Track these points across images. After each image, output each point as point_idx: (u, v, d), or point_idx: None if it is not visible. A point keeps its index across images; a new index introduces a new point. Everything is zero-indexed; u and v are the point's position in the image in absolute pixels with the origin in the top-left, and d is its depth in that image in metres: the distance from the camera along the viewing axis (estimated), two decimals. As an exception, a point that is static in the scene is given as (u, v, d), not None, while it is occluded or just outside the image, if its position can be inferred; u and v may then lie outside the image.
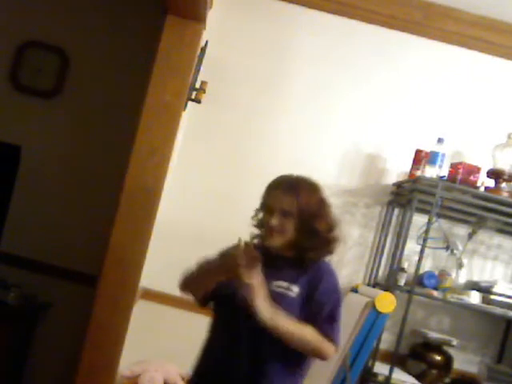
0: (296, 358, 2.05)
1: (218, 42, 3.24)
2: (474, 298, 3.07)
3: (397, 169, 3.34)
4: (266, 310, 1.90)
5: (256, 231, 2.14)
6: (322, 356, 2.02)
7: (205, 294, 2.12)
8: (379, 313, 2.80)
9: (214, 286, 2.07)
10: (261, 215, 2.10)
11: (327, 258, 2.11)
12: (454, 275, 3.24)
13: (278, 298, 1.99)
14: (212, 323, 2.13)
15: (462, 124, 3.37)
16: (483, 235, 3.33)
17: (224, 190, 3.26)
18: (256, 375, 2.00)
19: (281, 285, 2.02)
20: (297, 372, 2.10)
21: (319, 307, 2.02)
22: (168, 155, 2.83)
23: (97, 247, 3.05)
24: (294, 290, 2.02)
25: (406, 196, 3.17)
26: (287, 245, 2.05)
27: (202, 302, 2.15)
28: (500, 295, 3.09)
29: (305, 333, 1.98)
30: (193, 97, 2.98)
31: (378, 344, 3.10)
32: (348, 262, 3.33)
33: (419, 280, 3.14)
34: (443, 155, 3.09)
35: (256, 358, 1.99)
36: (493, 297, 3.08)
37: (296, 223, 2.02)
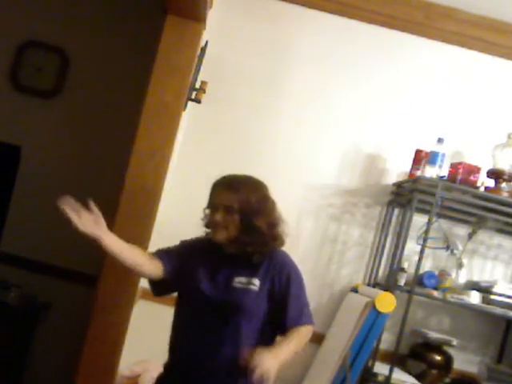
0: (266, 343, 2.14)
1: (217, 42, 3.24)
2: (474, 298, 3.07)
3: (397, 169, 3.34)
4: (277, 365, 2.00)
5: (206, 231, 2.24)
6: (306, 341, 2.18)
7: (162, 284, 2.23)
8: (379, 313, 2.80)
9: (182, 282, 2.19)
10: (207, 214, 2.21)
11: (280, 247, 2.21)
12: (454, 275, 3.24)
13: (241, 294, 2.09)
14: (179, 318, 2.25)
15: (462, 124, 3.37)
16: (483, 235, 3.33)
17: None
18: (231, 365, 2.07)
19: (241, 280, 2.11)
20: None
21: (286, 299, 2.12)
22: (168, 155, 2.83)
23: (97, 247, 3.05)
24: (256, 284, 2.11)
25: (406, 196, 3.17)
26: (231, 240, 2.13)
27: (157, 291, 2.29)
28: (500, 295, 3.09)
29: (297, 342, 2.10)
30: (193, 97, 2.98)
31: (378, 344, 3.09)
32: (348, 262, 3.33)
33: (419, 280, 3.14)
34: (443, 155, 3.09)
35: (229, 349, 2.08)
36: (493, 297, 3.08)
37: (238, 219, 2.10)
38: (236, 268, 2.14)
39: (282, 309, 2.12)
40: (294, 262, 2.22)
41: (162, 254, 2.23)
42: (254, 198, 2.13)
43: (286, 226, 2.20)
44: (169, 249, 2.28)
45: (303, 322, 2.14)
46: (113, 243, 2.08)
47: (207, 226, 2.22)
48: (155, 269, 2.18)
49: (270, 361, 1.94)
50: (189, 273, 2.19)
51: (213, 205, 2.18)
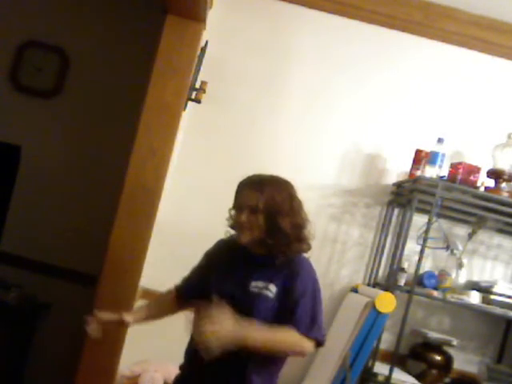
0: (274, 359, 2.08)
1: (218, 42, 3.24)
2: (474, 298, 3.07)
3: (397, 169, 3.34)
4: (233, 341, 1.88)
5: (231, 231, 2.18)
6: (300, 354, 2.03)
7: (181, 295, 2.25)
8: (379, 313, 2.80)
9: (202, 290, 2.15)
10: (233, 214, 2.15)
11: (304, 254, 2.13)
12: (454, 275, 3.24)
13: (254, 299, 2.02)
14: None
15: (462, 124, 3.37)
16: (483, 235, 3.33)
17: (224, 189, 3.24)
18: (235, 377, 2.03)
19: (258, 285, 2.04)
20: (274, 369, 2.12)
21: (296, 306, 2.00)
22: (168, 155, 2.83)
23: (97, 247, 3.06)
24: (272, 290, 2.03)
25: (406, 196, 3.17)
26: (257, 241, 2.07)
27: (179, 303, 2.26)
28: (500, 295, 3.09)
29: (280, 337, 1.98)
30: (193, 97, 2.98)
31: (378, 344, 3.09)
32: (348, 262, 3.33)
33: (419, 280, 3.14)
34: (443, 155, 3.09)
35: (235, 361, 2.00)
36: (493, 297, 3.08)
37: (263, 219, 2.04)
38: (255, 270, 2.07)
39: (292, 318, 2.00)
40: (313, 271, 2.12)
41: (182, 289, 2.27)
42: (279, 198, 2.05)
43: (313, 227, 2.13)
44: (190, 275, 2.28)
45: (312, 335, 1.99)
46: (135, 320, 2.19)
47: (232, 226, 2.16)
48: (178, 307, 2.26)
49: (226, 328, 1.84)
50: (208, 279, 2.15)
51: (238, 205, 2.11)
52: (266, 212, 2.04)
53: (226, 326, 1.87)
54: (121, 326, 2.21)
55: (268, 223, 2.04)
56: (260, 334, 1.95)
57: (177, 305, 2.26)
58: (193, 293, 2.19)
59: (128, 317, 2.17)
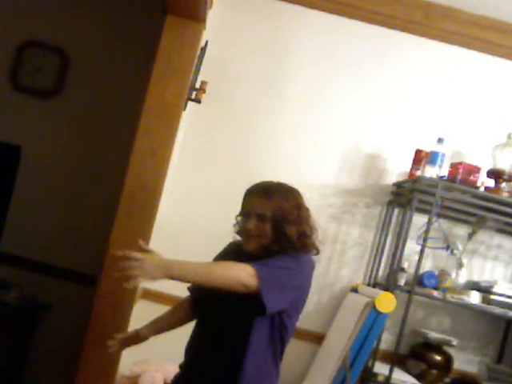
0: (272, 352, 2.06)
1: (218, 42, 3.24)
2: (474, 298, 3.07)
3: (397, 169, 3.34)
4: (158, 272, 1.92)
5: (238, 238, 2.17)
6: (239, 281, 1.91)
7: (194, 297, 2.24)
8: (379, 313, 2.80)
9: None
10: (239, 221, 2.14)
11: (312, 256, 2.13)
12: (454, 275, 3.24)
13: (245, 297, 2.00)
14: (196, 321, 2.22)
15: (462, 124, 3.37)
16: (483, 235, 3.33)
17: (224, 189, 3.26)
18: (231, 370, 2.02)
19: None
20: (272, 364, 2.09)
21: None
22: (168, 155, 2.83)
23: (97, 247, 3.06)
24: None
25: (406, 196, 3.17)
26: (262, 248, 2.06)
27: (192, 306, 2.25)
28: (500, 295, 3.10)
29: (215, 264, 2.05)
30: (193, 97, 2.98)
31: (378, 344, 3.09)
32: (348, 262, 3.33)
33: (419, 280, 3.14)
34: (443, 155, 3.09)
35: (231, 353, 2.02)
36: (493, 297, 3.08)
37: (270, 227, 2.04)
38: None
39: None
40: (303, 264, 2.09)
41: (193, 289, 2.25)
42: (287, 206, 2.05)
43: (320, 234, 2.12)
44: None
45: (254, 267, 1.92)
46: (149, 334, 2.23)
47: (239, 233, 2.16)
48: (194, 312, 2.23)
49: (150, 258, 1.91)
50: None
51: (245, 212, 2.10)
52: (274, 220, 2.04)
53: (151, 258, 1.95)
54: (138, 342, 2.23)
55: (275, 231, 2.04)
56: (187, 262, 1.96)
57: (193, 309, 2.24)
58: (201, 292, 2.18)
59: (143, 331, 2.21)
